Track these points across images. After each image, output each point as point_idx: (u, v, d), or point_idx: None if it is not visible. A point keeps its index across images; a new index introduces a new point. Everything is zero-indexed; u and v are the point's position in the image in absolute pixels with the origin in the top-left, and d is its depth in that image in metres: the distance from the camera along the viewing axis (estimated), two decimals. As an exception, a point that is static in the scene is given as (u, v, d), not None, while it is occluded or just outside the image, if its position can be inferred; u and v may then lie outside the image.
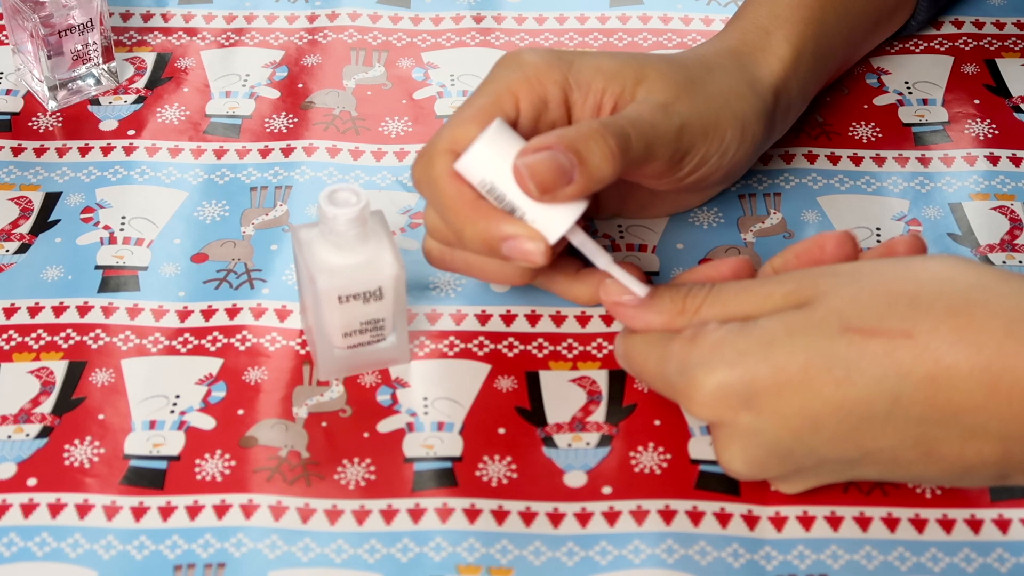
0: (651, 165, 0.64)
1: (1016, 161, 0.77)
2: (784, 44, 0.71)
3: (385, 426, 0.65)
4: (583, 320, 0.70)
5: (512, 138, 0.62)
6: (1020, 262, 0.72)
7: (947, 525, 0.61)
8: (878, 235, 0.74)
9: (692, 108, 0.66)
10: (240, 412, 0.66)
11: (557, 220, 0.61)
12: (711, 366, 0.57)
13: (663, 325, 0.61)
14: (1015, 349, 0.53)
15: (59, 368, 0.68)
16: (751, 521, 0.61)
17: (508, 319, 0.70)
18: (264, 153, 0.78)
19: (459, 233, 0.62)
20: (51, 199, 0.76)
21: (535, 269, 0.64)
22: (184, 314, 0.70)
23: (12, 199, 0.76)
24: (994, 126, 0.80)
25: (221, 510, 0.62)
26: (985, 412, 0.54)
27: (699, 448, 0.64)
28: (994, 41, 0.85)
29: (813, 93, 0.75)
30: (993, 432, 0.55)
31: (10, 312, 0.70)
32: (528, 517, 0.62)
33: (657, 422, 0.65)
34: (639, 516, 0.62)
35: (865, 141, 0.79)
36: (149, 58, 0.84)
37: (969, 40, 0.85)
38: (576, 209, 0.61)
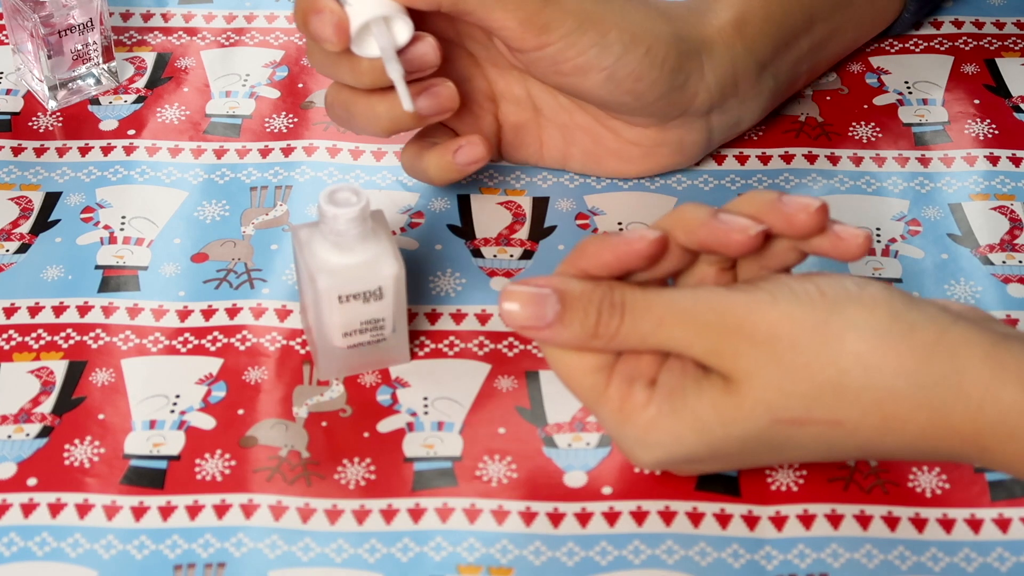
0: (500, 12, 0.66)
1: (1016, 161, 0.77)
2: (726, 9, 0.73)
3: (385, 426, 0.65)
4: (583, 320, 0.69)
5: None
6: (1020, 262, 0.72)
7: (947, 524, 0.61)
8: (878, 235, 0.74)
9: (578, 2, 0.67)
10: (240, 412, 0.66)
11: (366, 9, 0.64)
12: (649, 447, 0.58)
13: (578, 347, 0.59)
14: (937, 434, 0.56)
15: (59, 368, 0.68)
16: (751, 521, 0.61)
17: (508, 319, 0.70)
18: (264, 153, 0.78)
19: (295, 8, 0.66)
20: (51, 199, 0.76)
21: (396, 120, 0.67)
22: (184, 314, 0.70)
23: (12, 199, 0.76)
24: (994, 126, 0.79)
25: (221, 510, 0.62)
26: (921, 459, 0.60)
27: (699, 448, 0.64)
28: (994, 41, 0.85)
29: (774, 60, 0.74)
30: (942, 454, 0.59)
31: (10, 312, 0.70)
32: (528, 517, 0.62)
33: (657, 422, 0.65)
34: (639, 516, 0.62)
35: (865, 141, 0.79)
36: (149, 58, 0.84)
37: (969, 40, 0.85)
38: (384, 5, 0.64)
